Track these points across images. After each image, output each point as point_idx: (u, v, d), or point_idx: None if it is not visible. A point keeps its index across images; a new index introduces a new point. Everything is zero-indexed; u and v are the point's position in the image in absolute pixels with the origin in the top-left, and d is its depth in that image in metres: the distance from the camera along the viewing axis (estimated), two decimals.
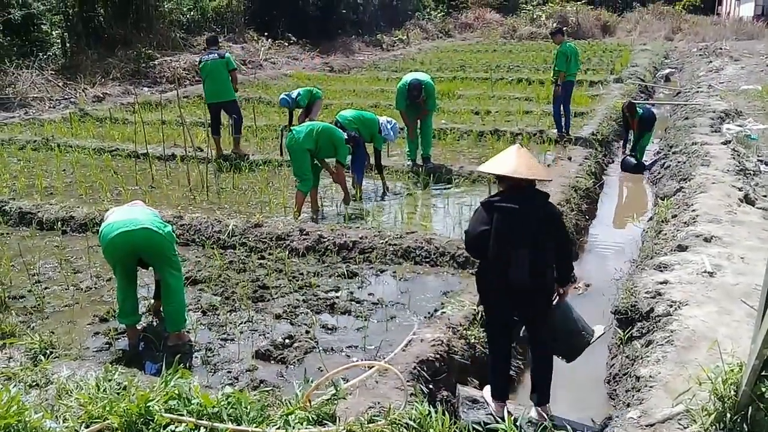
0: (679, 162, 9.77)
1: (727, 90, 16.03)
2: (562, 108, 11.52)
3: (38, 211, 7.96)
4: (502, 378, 4.28)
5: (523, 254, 3.91)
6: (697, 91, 16.03)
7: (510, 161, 4.12)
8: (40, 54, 18.05)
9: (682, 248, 6.19)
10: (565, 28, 12.98)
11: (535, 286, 4.00)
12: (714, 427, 3.42)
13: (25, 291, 6.09)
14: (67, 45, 20.00)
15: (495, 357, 4.26)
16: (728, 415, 3.39)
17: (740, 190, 7.84)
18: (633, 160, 10.87)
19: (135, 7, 21.09)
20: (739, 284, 5.31)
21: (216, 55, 10.84)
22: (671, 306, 5.03)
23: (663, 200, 8.20)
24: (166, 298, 5.09)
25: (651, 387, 4.11)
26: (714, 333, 4.52)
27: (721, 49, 24.93)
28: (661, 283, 5.46)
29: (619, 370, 4.82)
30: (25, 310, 5.67)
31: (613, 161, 11.58)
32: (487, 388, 4.36)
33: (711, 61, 21.99)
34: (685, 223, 6.88)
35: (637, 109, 10.85)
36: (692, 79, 18.91)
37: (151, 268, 5.35)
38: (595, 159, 10.46)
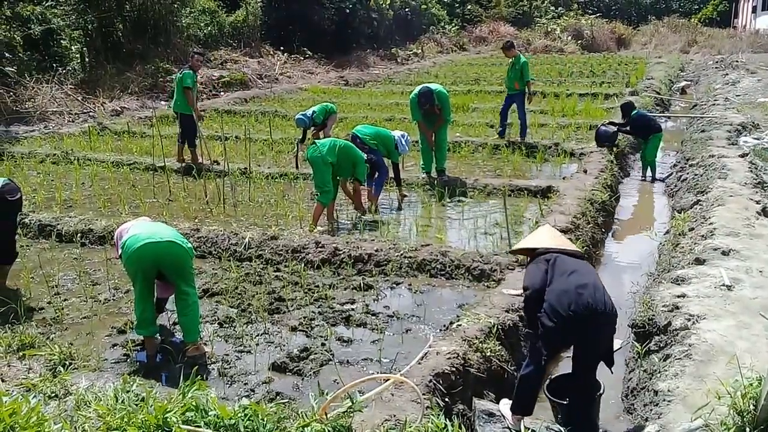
0: (696, 175, 9.71)
1: (743, 102, 15.94)
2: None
3: (57, 224, 8.05)
4: (533, 398, 4.24)
5: (590, 282, 4.04)
6: (714, 104, 15.95)
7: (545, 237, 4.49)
8: (60, 68, 18.30)
9: (699, 261, 6.14)
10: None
11: (613, 311, 4.04)
12: None
13: (45, 303, 6.17)
14: (86, 60, 20.27)
15: (535, 379, 4.19)
16: (747, 429, 3.35)
17: (758, 203, 7.77)
18: (609, 130, 11.32)
19: (153, 22, 21.35)
20: (758, 298, 5.26)
21: (184, 69, 11.29)
22: (689, 320, 4.99)
23: (680, 213, 8.15)
24: (182, 309, 5.14)
25: (669, 401, 4.07)
26: (732, 347, 4.48)
27: (737, 61, 24.80)
28: (679, 296, 5.42)
29: (637, 384, 4.78)
30: (44, 322, 5.73)
31: (629, 174, 11.54)
32: (505, 402, 4.34)
33: (727, 74, 21.87)
34: (702, 236, 6.83)
35: (634, 110, 10.99)
36: (708, 91, 18.82)
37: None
38: (611, 172, 10.42)
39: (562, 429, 4.10)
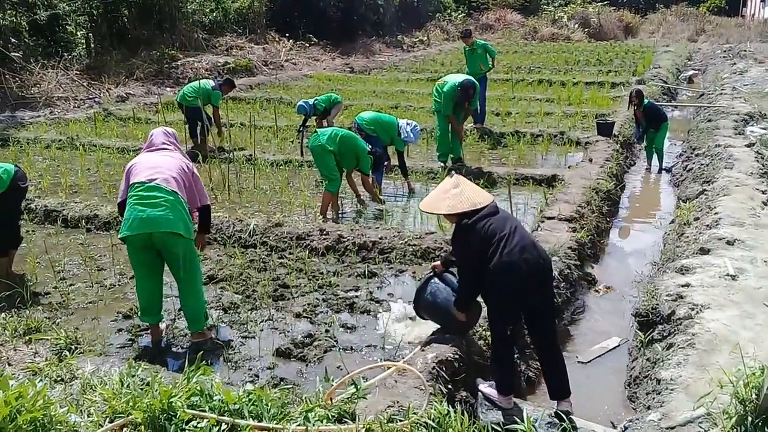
0: (702, 164, 9.67)
1: (751, 92, 15.84)
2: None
3: (63, 209, 8.08)
4: (512, 372, 4.41)
5: (524, 237, 4.12)
6: (721, 93, 15.85)
7: (468, 195, 4.27)
8: (65, 54, 18.28)
9: (704, 251, 6.13)
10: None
11: (548, 259, 4.23)
12: (735, 430, 3.40)
13: (51, 288, 6.20)
14: (92, 45, 20.26)
15: (508, 351, 4.30)
16: (749, 418, 3.36)
17: (764, 193, 7.75)
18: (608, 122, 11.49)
19: (158, 8, 21.28)
20: (762, 288, 5.26)
21: (216, 88, 11.45)
22: (693, 309, 4.99)
23: (685, 203, 8.14)
24: (182, 298, 5.11)
25: (672, 390, 4.09)
26: (736, 336, 4.49)
27: (745, 50, 24.61)
28: (683, 286, 5.42)
29: (640, 373, 4.79)
30: (50, 307, 5.77)
31: (634, 163, 11.50)
32: (489, 384, 4.40)
33: (735, 63, 21.71)
34: (707, 225, 6.82)
35: (644, 99, 10.82)
36: (716, 80, 18.71)
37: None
38: (617, 161, 10.39)
39: (570, 404, 4.14)
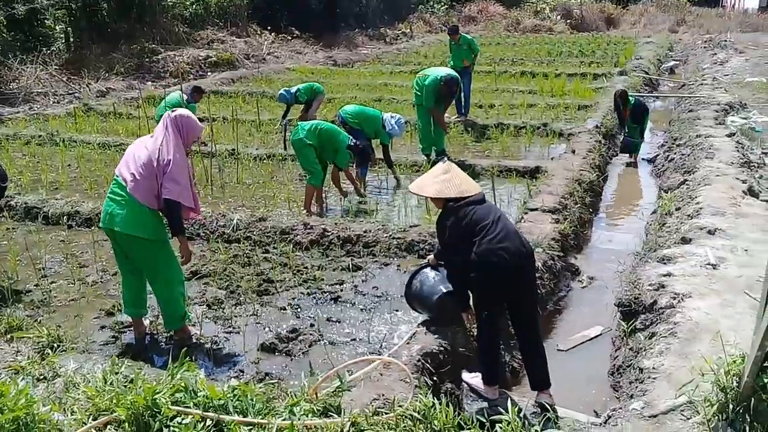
0: (683, 154, 9.75)
1: (731, 82, 15.97)
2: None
3: (44, 206, 7.99)
4: (497, 362, 4.45)
5: (506, 226, 4.21)
6: (702, 84, 15.97)
7: (456, 182, 4.38)
8: (44, 49, 18.05)
9: (685, 241, 6.19)
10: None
11: (530, 249, 4.34)
12: (716, 417, 3.44)
13: (32, 285, 6.14)
14: (71, 40, 20.03)
15: (493, 342, 4.34)
16: (731, 406, 3.40)
17: (744, 182, 7.82)
18: (631, 140, 10.98)
19: (138, 1, 21.08)
20: (743, 276, 5.32)
21: (190, 100, 11.26)
22: (674, 298, 5.04)
23: (667, 193, 8.20)
24: (157, 298, 5.06)
25: (654, 378, 4.13)
26: (717, 325, 4.54)
27: (725, 41, 24.80)
28: (665, 275, 5.47)
29: (623, 362, 4.83)
30: (32, 304, 5.71)
31: (617, 154, 11.56)
32: (474, 376, 4.42)
33: (716, 54, 21.88)
34: (688, 215, 6.88)
35: (629, 98, 10.85)
36: (697, 71, 18.83)
37: None
38: (599, 152, 10.44)
39: (550, 397, 4.18)
